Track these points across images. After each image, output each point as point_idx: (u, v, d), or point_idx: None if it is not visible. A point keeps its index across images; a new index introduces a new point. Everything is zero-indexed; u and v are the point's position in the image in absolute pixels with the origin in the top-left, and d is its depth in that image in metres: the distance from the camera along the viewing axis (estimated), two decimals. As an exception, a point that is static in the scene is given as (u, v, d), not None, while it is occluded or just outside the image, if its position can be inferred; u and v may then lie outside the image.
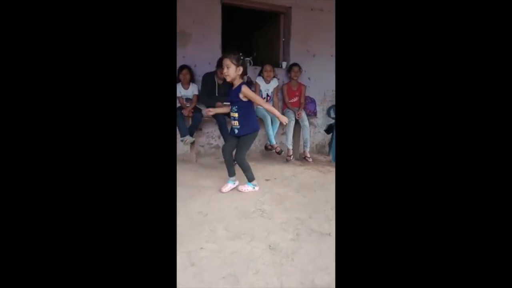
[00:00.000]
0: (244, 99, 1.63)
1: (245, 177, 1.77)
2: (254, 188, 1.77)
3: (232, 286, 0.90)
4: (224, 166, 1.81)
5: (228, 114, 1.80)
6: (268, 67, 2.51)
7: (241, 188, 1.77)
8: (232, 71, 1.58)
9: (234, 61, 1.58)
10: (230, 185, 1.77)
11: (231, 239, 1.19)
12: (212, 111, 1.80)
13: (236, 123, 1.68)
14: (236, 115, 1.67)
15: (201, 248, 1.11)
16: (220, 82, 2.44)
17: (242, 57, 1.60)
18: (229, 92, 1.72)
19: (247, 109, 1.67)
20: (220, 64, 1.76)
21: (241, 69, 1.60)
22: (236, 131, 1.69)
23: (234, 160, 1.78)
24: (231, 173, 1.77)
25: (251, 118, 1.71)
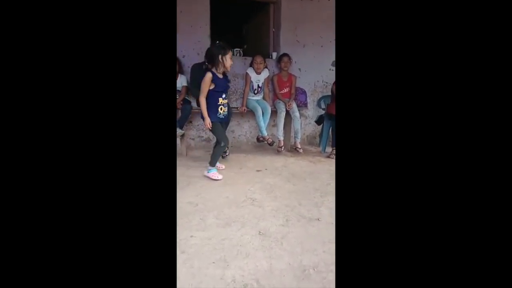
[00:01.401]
0: (210, 87, 1.74)
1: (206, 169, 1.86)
2: (215, 171, 1.84)
3: (222, 270, 0.91)
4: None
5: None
6: (258, 59, 2.49)
7: (206, 173, 1.85)
8: (231, 61, 1.76)
9: (230, 52, 1.76)
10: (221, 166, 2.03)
11: (221, 227, 1.20)
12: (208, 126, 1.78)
13: (225, 109, 1.83)
14: (226, 101, 1.83)
15: (191, 236, 1.12)
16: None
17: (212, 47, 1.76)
18: (221, 81, 1.77)
19: (207, 97, 1.76)
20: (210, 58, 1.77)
21: (223, 57, 1.73)
22: (223, 117, 1.84)
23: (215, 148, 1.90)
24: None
25: (208, 107, 1.79)
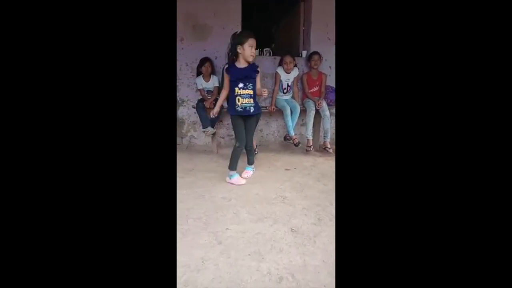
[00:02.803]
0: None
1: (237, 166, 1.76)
2: (253, 170, 1.87)
3: (257, 262, 0.95)
4: (243, 157, 1.85)
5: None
6: (288, 59, 2.49)
7: (245, 174, 1.84)
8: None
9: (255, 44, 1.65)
10: (250, 172, 1.90)
11: (254, 222, 1.24)
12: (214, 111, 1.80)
13: (251, 100, 1.66)
14: (252, 92, 1.66)
15: (227, 229, 1.18)
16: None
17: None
18: (237, 70, 1.66)
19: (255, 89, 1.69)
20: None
21: (240, 47, 1.63)
22: (252, 109, 1.67)
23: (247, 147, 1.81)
24: (251, 162, 1.92)
25: (229, 100, 1.75)
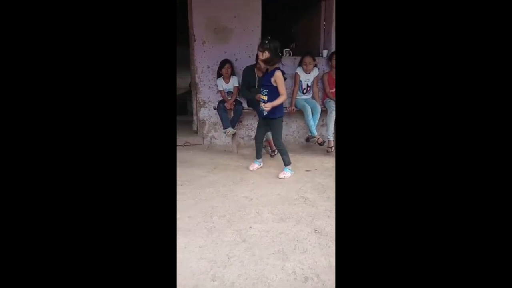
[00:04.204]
0: (274, 84, 1.75)
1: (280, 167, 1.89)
2: (291, 172, 1.89)
3: (282, 261, 0.97)
4: (263, 155, 1.98)
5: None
6: (307, 59, 2.47)
7: (281, 175, 1.85)
8: (262, 56, 1.72)
9: (260, 48, 1.71)
10: (256, 165, 2.06)
11: (276, 222, 1.26)
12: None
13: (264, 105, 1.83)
14: (265, 98, 1.81)
15: (250, 227, 1.21)
16: (260, 75, 2.49)
17: (267, 43, 1.70)
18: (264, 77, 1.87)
19: (275, 94, 1.77)
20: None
21: (267, 53, 1.68)
22: (265, 113, 1.82)
23: (268, 146, 1.98)
24: (258, 156, 2.06)
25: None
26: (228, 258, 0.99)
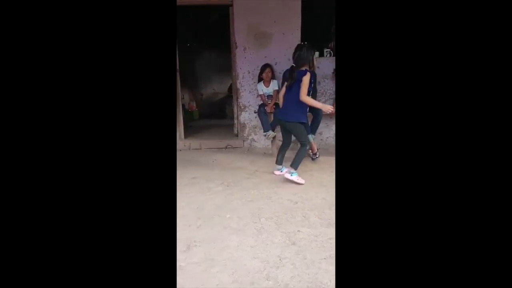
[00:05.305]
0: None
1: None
2: (292, 177, 1.82)
3: (334, 267, 0.96)
4: (304, 159, 1.93)
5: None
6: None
7: (286, 175, 1.83)
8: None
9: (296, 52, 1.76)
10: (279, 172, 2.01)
11: (325, 226, 1.25)
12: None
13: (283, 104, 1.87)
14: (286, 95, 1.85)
15: (298, 231, 1.22)
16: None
17: (303, 47, 1.77)
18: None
19: (295, 97, 1.75)
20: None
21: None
22: (280, 113, 1.87)
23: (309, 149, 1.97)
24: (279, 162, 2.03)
25: (295, 107, 1.78)
26: (280, 260, 1.02)
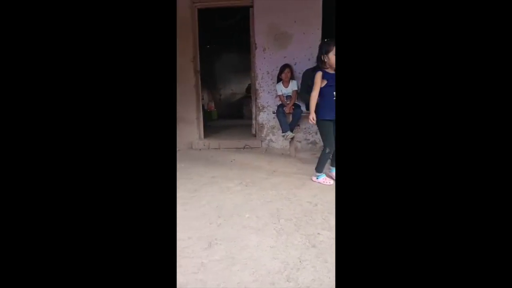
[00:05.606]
0: (322, 84, 1.73)
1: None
2: (319, 179, 1.84)
3: (357, 272, 0.94)
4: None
5: None
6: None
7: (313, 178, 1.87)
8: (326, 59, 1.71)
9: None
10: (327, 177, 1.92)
11: (346, 230, 1.22)
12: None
13: None
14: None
15: (318, 233, 1.21)
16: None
17: (321, 47, 1.74)
18: (333, 75, 1.77)
19: (321, 94, 1.74)
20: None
21: (325, 56, 1.69)
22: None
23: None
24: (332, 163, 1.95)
25: (321, 104, 1.75)
26: (300, 262, 1.02)
